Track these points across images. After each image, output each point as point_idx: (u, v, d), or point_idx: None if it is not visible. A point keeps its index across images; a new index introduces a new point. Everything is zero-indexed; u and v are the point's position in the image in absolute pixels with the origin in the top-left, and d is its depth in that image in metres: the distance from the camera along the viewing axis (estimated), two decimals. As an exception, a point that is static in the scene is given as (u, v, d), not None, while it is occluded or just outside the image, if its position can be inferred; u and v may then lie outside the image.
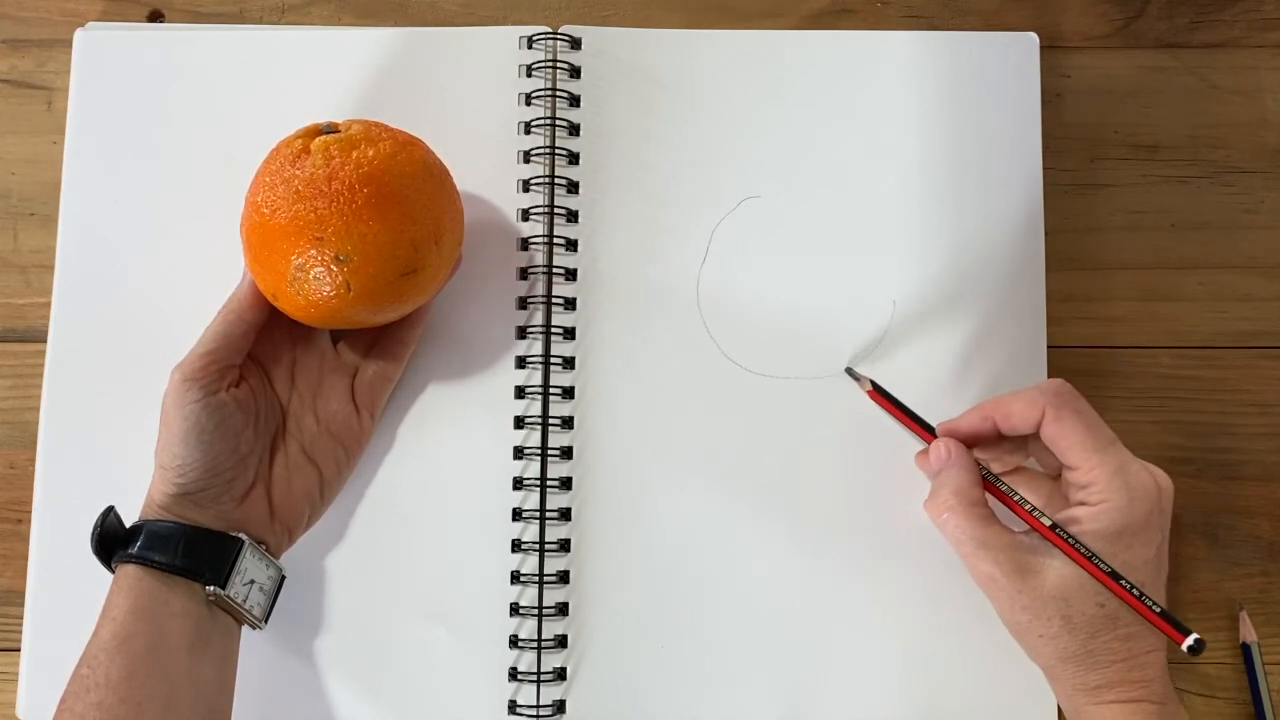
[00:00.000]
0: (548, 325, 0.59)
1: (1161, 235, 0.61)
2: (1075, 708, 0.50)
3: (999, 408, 0.53)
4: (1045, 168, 0.60)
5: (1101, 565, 0.48)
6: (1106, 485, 0.49)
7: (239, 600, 0.51)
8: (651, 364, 0.59)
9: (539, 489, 0.58)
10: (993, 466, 0.55)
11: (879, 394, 0.57)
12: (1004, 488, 0.52)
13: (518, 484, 0.58)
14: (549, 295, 0.59)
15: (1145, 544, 0.49)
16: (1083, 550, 0.49)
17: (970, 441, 0.54)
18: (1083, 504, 0.50)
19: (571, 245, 0.59)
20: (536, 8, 0.63)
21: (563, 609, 0.57)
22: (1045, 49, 0.61)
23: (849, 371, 0.58)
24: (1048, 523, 0.50)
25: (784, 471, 0.58)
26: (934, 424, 0.55)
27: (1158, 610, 0.48)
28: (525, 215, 0.59)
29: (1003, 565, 0.50)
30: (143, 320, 0.59)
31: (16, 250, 0.61)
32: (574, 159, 0.60)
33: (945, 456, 0.53)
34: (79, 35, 0.61)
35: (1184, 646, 0.48)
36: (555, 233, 0.59)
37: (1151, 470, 0.50)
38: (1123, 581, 0.48)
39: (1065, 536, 0.49)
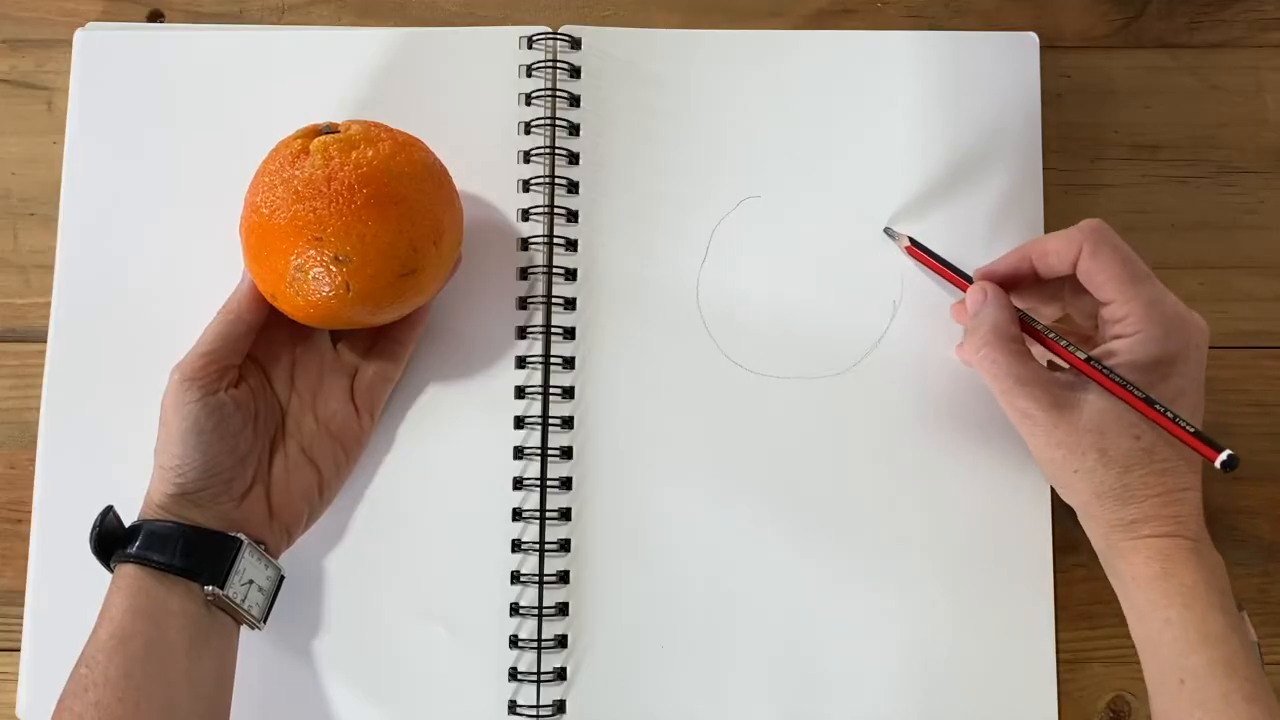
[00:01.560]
0: (548, 325, 0.59)
1: (1161, 235, 0.61)
2: (1110, 544, 0.50)
3: (1036, 246, 0.53)
4: (1045, 168, 0.60)
5: (1136, 392, 0.49)
6: (1142, 316, 0.50)
7: (237, 600, 0.51)
8: (651, 364, 0.59)
9: (539, 489, 0.58)
10: None
11: (916, 248, 0.57)
12: (1039, 326, 0.53)
13: (518, 484, 0.58)
14: (549, 295, 0.59)
15: (1180, 375, 0.50)
16: (1117, 380, 0.49)
17: (1008, 285, 0.54)
18: (1119, 336, 0.50)
19: (571, 245, 0.59)
20: (536, 8, 0.63)
21: (563, 609, 0.57)
22: (1045, 49, 0.61)
23: (887, 231, 0.59)
24: (1083, 356, 0.50)
25: (784, 471, 0.58)
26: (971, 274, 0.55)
27: (1191, 430, 0.48)
28: (525, 215, 0.59)
29: (1039, 400, 0.50)
30: (143, 320, 0.59)
31: (16, 250, 0.61)
32: (574, 159, 0.60)
33: (982, 298, 0.53)
34: (79, 35, 0.61)
35: (1217, 463, 0.48)
36: (555, 233, 0.59)
37: (1187, 308, 0.51)
38: (1157, 406, 0.48)
39: (1100, 368, 0.49)
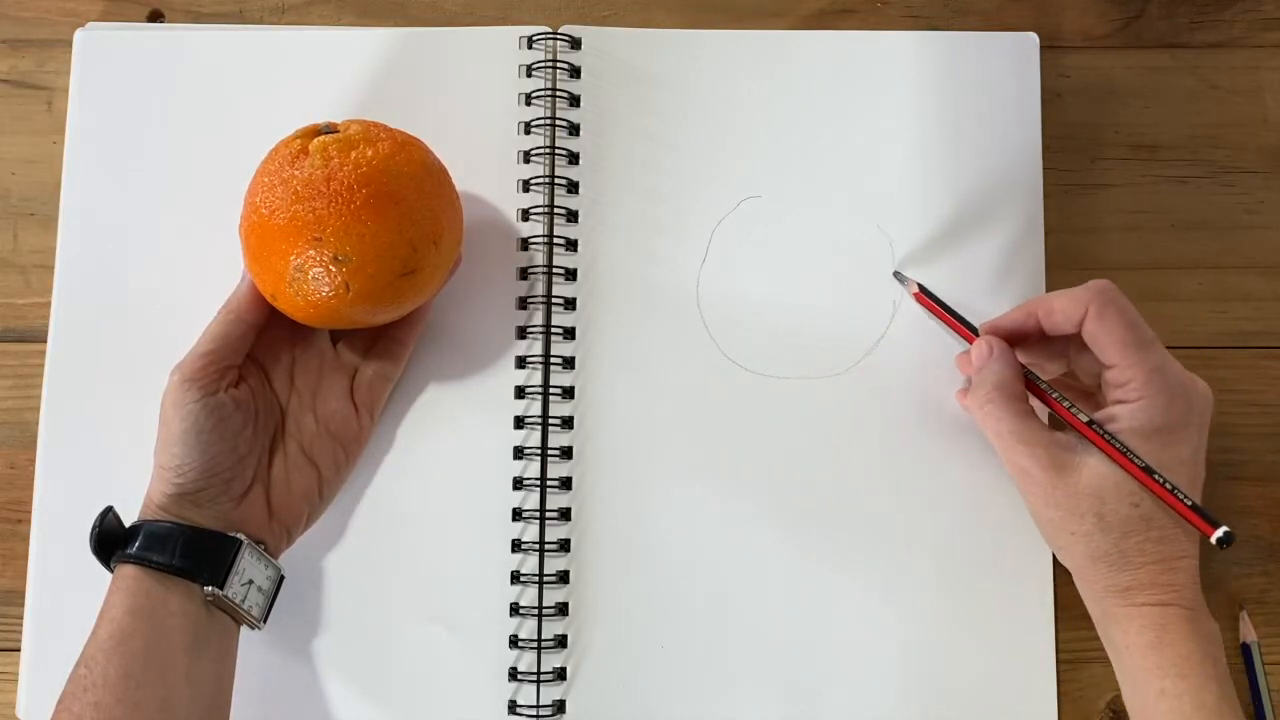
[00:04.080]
0: (548, 325, 0.59)
1: (1161, 235, 0.61)
2: (1104, 610, 0.50)
3: (1043, 304, 0.53)
4: (1045, 168, 0.60)
5: (1136, 460, 0.49)
6: (1145, 382, 0.49)
7: (237, 600, 0.51)
8: (651, 364, 0.59)
9: (539, 489, 0.58)
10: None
11: (925, 296, 0.57)
12: (1043, 385, 0.53)
13: (518, 484, 0.58)
14: (549, 295, 0.59)
15: (1182, 443, 0.49)
16: (1118, 446, 0.49)
17: (1013, 340, 0.54)
18: (1121, 402, 0.50)
19: (571, 245, 0.59)
20: (536, 8, 0.63)
21: (563, 609, 0.57)
22: (1045, 49, 0.61)
23: (896, 275, 0.58)
24: (1085, 419, 0.50)
25: (784, 471, 0.58)
26: (978, 326, 0.55)
27: (1189, 504, 0.48)
28: (525, 215, 0.59)
29: (1039, 460, 0.50)
30: (143, 320, 0.59)
31: (16, 250, 0.61)
32: (574, 159, 0.60)
33: (988, 353, 0.53)
34: (79, 35, 0.61)
35: (1213, 539, 0.48)
36: (555, 233, 0.59)
37: (1192, 375, 0.51)
38: (1156, 476, 0.48)
39: (1101, 433, 0.49)
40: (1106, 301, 0.51)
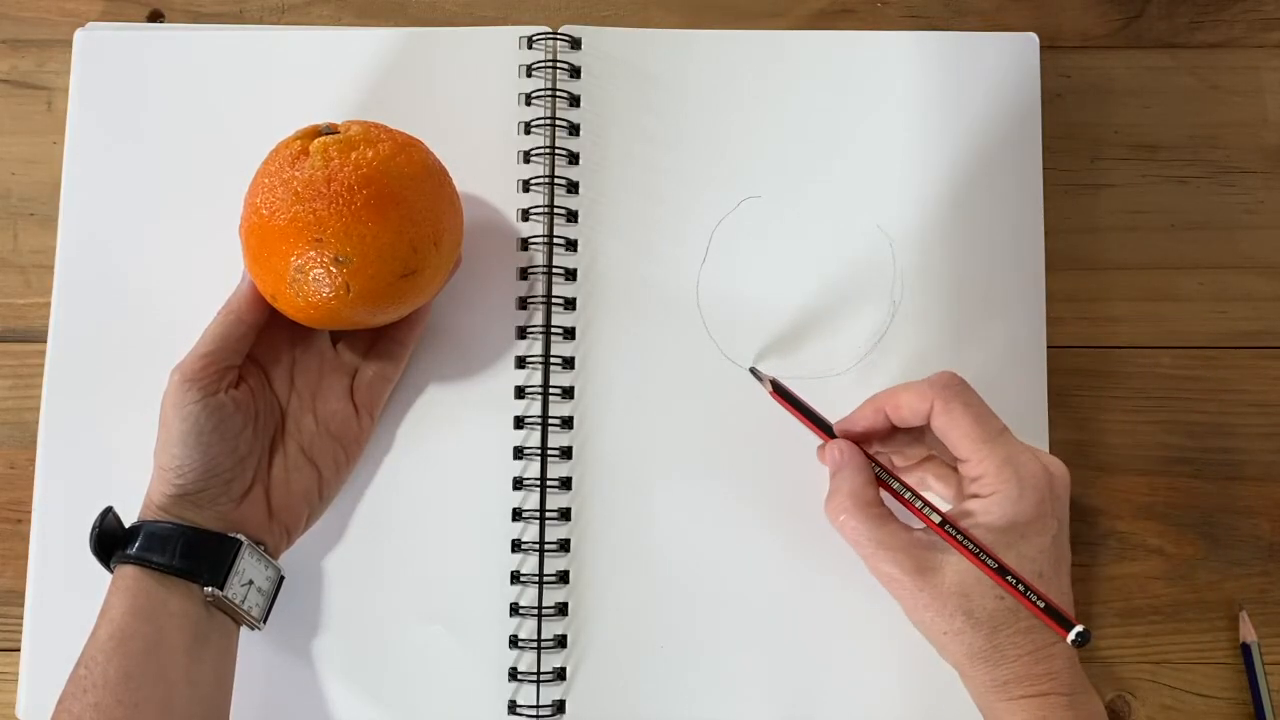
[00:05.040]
0: (548, 325, 0.59)
1: (1161, 235, 0.61)
2: (988, 705, 0.50)
3: (889, 399, 0.53)
4: (1045, 168, 0.60)
5: (988, 561, 0.49)
6: (996, 476, 0.49)
7: (237, 601, 0.51)
8: (651, 364, 0.59)
9: (539, 489, 0.58)
10: (896, 460, 0.55)
11: (779, 394, 0.57)
12: (896, 485, 0.52)
13: (518, 484, 0.58)
14: (549, 295, 0.59)
15: (1040, 533, 0.49)
16: (970, 547, 0.49)
17: (867, 437, 0.54)
18: (975, 496, 0.50)
19: (571, 245, 0.59)
20: (536, 8, 0.63)
21: (563, 609, 0.57)
22: (1045, 49, 0.61)
23: (753, 371, 0.58)
24: (938, 520, 0.50)
25: (784, 471, 0.58)
26: (831, 422, 0.55)
27: (1041, 605, 0.48)
28: (525, 215, 0.59)
29: (902, 564, 0.50)
30: (143, 320, 0.59)
31: (16, 250, 0.61)
32: (574, 159, 0.60)
33: (839, 458, 0.53)
34: (79, 35, 0.61)
35: (1069, 639, 0.48)
36: (555, 233, 0.59)
37: (1044, 458, 0.50)
38: (1009, 577, 0.48)
39: (954, 533, 0.49)
40: (951, 395, 0.51)
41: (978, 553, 0.49)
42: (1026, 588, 0.48)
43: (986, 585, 0.49)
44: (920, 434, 0.54)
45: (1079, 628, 0.48)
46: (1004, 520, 0.49)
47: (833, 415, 0.56)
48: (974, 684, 0.50)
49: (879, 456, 0.54)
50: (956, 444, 0.51)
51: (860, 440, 0.54)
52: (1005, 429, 0.51)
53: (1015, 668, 0.48)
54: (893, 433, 0.54)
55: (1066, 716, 0.48)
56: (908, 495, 0.52)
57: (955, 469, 0.53)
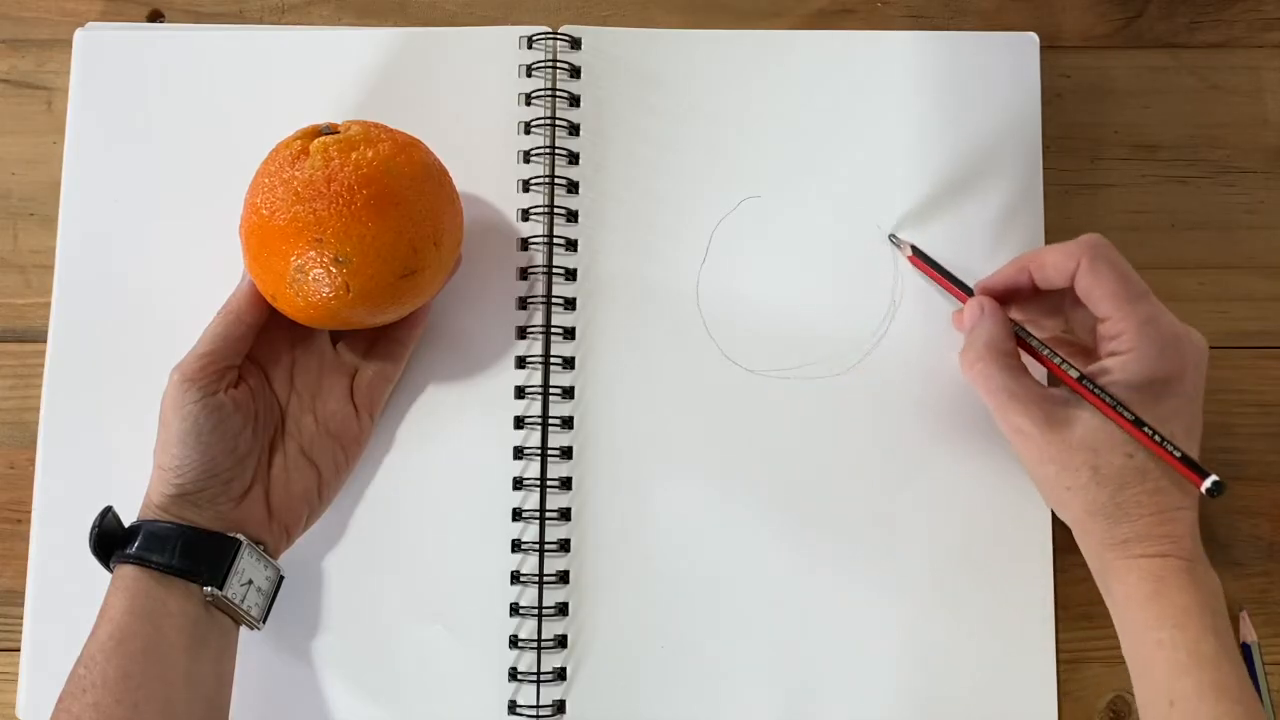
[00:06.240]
0: (548, 325, 0.59)
1: (1161, 235, 0.61)
2: (1103, 563, 0.50)
3: (1034, 258, 0.53)
4: (1045, 168, 0.60)
5: (1125, 414, 0.48)
6: (1136, 334, 0.49)
7: (236, 601, 0.51)
8: (651, 364, 0.59)
9: (539, 489, 0.58)
10: (1033, 331, 0.55)
11: (919, 258, 0.57)
12: (1034, 342, 0.53)
13: (518, 484, 0.58)
14: (549, 295, 0.59)
15: (1175, 394, 0.49)
16: (1108, 400, 0.49)
17: (1006, 297, 0.54)
18: (1113, 354, 0.50)
19: (571, 245, 0.59)
20: (536, 8, 0.63)
21: (563, 609, 0.57)
22: (1045, 49, 0.61)
23: (891, 238, 0.59)
24: (1075, 374, 0.50)
25: (784, 471, 0.58)
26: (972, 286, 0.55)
27: (1178, 455, 0.48)
28: (525, 215, 0.59)
29: (1032, 416, 0.50)
30: (142, 320, 0.59)
31: (16, 250, 0.61)
32: (574, 159, 0.60)
33: (979, 313, 0.53)
34: (79, 35, 0.61)
35: (1202, 488, 0.48)
36: (555, 233, 0.59)
37: (1186, 326, 0.50)
38: (1145, 428, 0.48)
39: (1091, 387, 0.49)
40: (1098, 255, 0.50)
41: (1115, 405, 0.49)
42: (1163, 439, 0.48)
43: (1117, 443, 0.49)
44: (1058, 305, 0.54)
45: (1214, 476, 0.48)
46: (1141, 377, 0.49)
47: (833, 415, 0.56)
48: (1090, 541, 0.50)
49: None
50: (1099, 302, 0.50)
51: (1000, 301, 0.54)
52: (1149, 292, 0.50)
53: (1137, 526, 0.49)
54: (1032, 297, 0.54)
55: (1184, 581, 0.48)
56: (1045, 352, 0.52)
57: (1089, 346, 0.53)
